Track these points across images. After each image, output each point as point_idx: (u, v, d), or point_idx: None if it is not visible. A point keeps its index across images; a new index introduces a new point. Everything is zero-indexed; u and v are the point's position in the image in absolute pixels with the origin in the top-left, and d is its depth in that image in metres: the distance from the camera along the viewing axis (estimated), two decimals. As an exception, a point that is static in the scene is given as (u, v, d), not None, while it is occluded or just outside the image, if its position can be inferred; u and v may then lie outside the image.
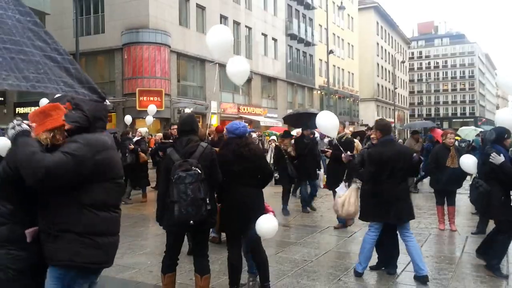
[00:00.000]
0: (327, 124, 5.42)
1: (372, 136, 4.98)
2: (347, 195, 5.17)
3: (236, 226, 3.86)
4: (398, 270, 4.91)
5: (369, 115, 51.65)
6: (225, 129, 4.13)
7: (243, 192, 3.84)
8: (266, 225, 3.68)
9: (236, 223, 3.83)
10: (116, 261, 4.01)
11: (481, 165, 5.09)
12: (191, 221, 3.31)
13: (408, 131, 42.62)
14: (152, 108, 13.84)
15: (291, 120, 10.24)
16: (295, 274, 4.87)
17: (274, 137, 14.83)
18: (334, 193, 6.60)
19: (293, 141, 8.60)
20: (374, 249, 4.85)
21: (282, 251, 5.78)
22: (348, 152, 5.05)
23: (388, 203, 4.52)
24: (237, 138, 3.93)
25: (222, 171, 3.70)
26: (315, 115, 6.02)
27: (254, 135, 14.42)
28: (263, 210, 3.96)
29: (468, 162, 6.52)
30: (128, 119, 15.03)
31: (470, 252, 5.87)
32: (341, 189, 5.32)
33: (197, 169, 3.37)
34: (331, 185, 7.11)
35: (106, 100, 2.76)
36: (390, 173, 4.53)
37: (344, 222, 6.90)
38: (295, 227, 7.22)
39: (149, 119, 14.68)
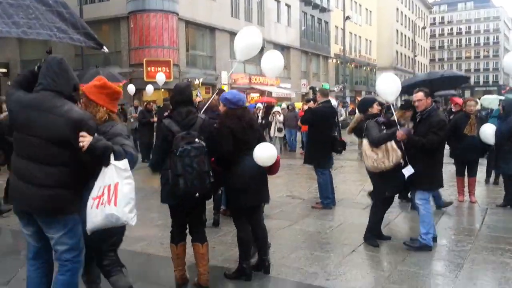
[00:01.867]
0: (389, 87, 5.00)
1: (419, 99, 4.79)
2: (384, 149, 4.66)
3: (251, 199, 3.85)
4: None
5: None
6: (221, 99, 4.02)
7: (254, 163, 3.84)
8: (265, 152, 3.75)
9: (252, 195, 3.84)
10: (127, 233, 4.02)
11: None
12: (197, 194, 3.34)
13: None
14: (160, 78, 13.77)
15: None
16: (309, 246, 4.92)
17: (278, 109, 14.71)
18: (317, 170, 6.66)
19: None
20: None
21: (295, 223, 5.83)
22: (405, 128, 4.72)
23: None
24: (240, 109, 3.89)
25: (234, 142, 3.69)
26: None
27: (260, 105, 14.31)
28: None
29: (487, 131, 6.43)
30: (131, 89, 15.00)
31: (489, 224, 5.85)
32: (409, 171, 4.69)
33: (201, 141, 3.39)
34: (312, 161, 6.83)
35: (104, 47, 2.77)
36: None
37: (326, 204, 6.63)
38: (308, 199, 7.24)
39: (149, 89, 14.62)
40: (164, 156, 3.48)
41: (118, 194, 2.50)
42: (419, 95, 4.80)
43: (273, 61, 5.35)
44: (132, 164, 2.59)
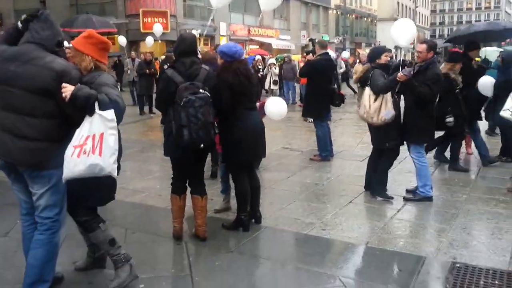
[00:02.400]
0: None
1: (420, 50, 4.64)
2: (383, 99, 4.54)
3: (251, 153, 3.84)
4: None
5: (387, 36, 49.53)
6: (218, 52, 3.89)
7: (254, 117, 3.83)
8: (278, 107, 4.09)
9: (252, 150, 3.81)
10: (125, 185, 4.09)
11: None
12: (202, 145, 3.29)
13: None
14: (158, 29, 13.36)
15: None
16: (306, 197, 4.94)
17: (273, 60, 14.38)
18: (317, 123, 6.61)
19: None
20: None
21: (293, 175, 5.83)
22: (407, 69, 4.51)
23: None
24: (237, 61, 3.75)
25: (230, 96, 3.60)
26: None
27: (259, 56, 13.99)
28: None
29: (485, 83, 6.29)
30: (121, 40, 14.61)
31: (485, 175, 5.87)
32: (389, 113, 4.55)
33: (206, 92, 3.30)
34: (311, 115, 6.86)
35: None
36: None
37: (325, 156, 6.59)
38: (307, 152, 7.22)
39: (149, 40, 14.26)
40: (167, 106, 3.40)
41: (103, 144, 2.43)
42: (422, 47, 4.65)
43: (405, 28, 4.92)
44: (118, 114, 2.49)
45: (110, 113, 2.44)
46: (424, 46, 4.65)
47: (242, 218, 3.88)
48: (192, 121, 3.20)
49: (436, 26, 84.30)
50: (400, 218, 4.35)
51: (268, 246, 3.69)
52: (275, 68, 13.88)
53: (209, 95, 3.31)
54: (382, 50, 5.09)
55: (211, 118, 3.30)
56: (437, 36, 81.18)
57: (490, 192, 5.11)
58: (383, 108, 4.50)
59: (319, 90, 6.48)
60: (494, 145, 7.20)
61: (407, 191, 4.95)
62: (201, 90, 3.29)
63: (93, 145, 2.42)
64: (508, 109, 5.13)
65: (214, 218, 4.10)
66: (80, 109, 2.44)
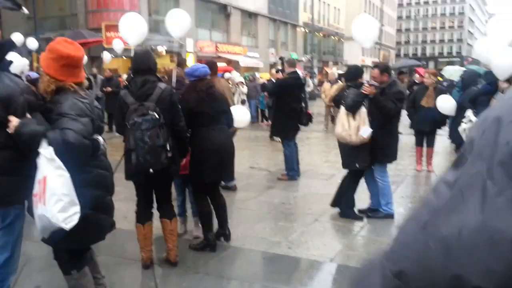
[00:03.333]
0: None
1: (374, 76, 4.97)
2: (361, 118, 4.75)
3: (216, 172, 3.90)
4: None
5: (353, 54, 51.22)
6: (184, 74, 4.04)
7: (219, 135, 3.90)
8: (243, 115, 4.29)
9: (216, 169, 3.87)
10: None
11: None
12: (151, 170, 3.20)
13: (395, 73, 42.68)
14: (118, 45, 13.18)
15: None
16: (273, 216, 5.12)
17: (241, 79, 14.54)
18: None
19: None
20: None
21: (260, 195, 6.01)
22: (374, 82, 4.88)
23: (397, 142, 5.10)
24: (200, 80, 3.88)
25: (192, 115, 3.70)
26: None
27: (228, 74, 14.12)
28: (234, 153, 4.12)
29: (445, 103, 6.75)
30: (106, 56, 14.31)
31: (445, 192, 6.23)
32: (366, 131, 4.75)
33: (154, 113, 3.19)
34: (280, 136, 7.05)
35: (23, 8, 2.53)
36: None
37: (292, 175, 6.80)
38: (275, 171, 7.43)
39: (107, 56, 14.09)
40: (124, 128, 3.35)
41: (46, 189, 2.17)
42: (375, 72, 5.01)
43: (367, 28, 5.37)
44: (71, 151, 2.23)
45: (49, 152, 2.20)
46: (376, 70, 4.99)
47: (208, 238, 3.98)
48: (139, 145, 3.11)
49: (402, 45, 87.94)
50: (363, 235, 4.60)
51: (235, 266, 3.83)
52: (242, 86, 14.05)
53: (157, 117, 3.18)
54: (362, 70, 5.42)
55: (160, 141, 3.17)
56: (402, 55, 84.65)
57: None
58: (361, 126, 4.73)
59: (287, 109, 6.67)
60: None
61: (371, 210, 5.19)
62: (150, 112, 3.18)
63: (40, 192, 2.20)
64: (464, 126, 5.52)
65: (180, 239, 4.20)
66: (24, 146, 2.24)
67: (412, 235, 0.56)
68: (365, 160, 4.86)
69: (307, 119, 7.04)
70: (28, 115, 2.34)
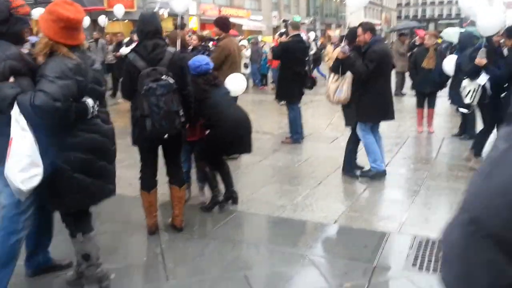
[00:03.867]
0: None
1: (358, 34, 4.73)
2: (342, 82, 4.80)
3: (239, 147, 4.00)
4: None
5: (356, 17, 49.68)
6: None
7: (238, 111, 4.01)
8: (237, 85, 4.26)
9: (239, 144, 3.93)
10: None
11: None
12: (166, 135, 3.11)
13: (395, 34, 41.76)
14: (119, 10, 12.66)
15: None
16: (278, 180, 4.99)
17: (244, 42, 14.04)
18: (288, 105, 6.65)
19: None
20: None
21: (265, 159, 5.86)
22: (346, 47, 4.73)
23: (389, 102, 4.81)
24: (202, 76, 3.79)
25: (205, 103, 3.72)
26: None
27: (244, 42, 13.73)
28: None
29: (450, 63, 6.47)
30: (101, 20, 13.81)
31: (445, 152, 6.07)
32: (339, 92, 4.80)
33: (168, 78, 3.06)
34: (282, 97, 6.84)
35: None
36: (388, 71, 4.79)
37: (296, 139, 6.63)
38: (278, 135, 7.26)
39: (101, 20, 13.56)
40: (132, 93, 3.22)
41: (11, 150, 2.13)
42: (358, 31, 4.76)
43: None
44: (39, 114, 2.15)
45: (14, 112, 2.13)
46: (359, 29, 4.76)
47: (216, 195, 3.94)
48: (154, 111, 2.98)
49: (402, 7, 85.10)
50: (365, 196, 4.47)
51: (241, 230, 3.73)
52: (246, 50, 13.60)
53: (172, 82, 3.07)
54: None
55: (175, 106, 3.06)
56: (403, 16, 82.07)
57: (450, 168, 5.31)
58: (338, 89, 4.70)
59: (291, 72, 6.44)
60: (454, 123, 7.44)
61: (363, 171, 5.02)
62: (163, 77, 3.04)
63: (7, 153, 2.15)
64: (464, 84, 5.26)
65: (187, 205, 4.09)
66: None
67: (479, 185, 0.64)
68: (350, 119, 4.89)
69: (311, 82, 6.82)
70: (11, 79, 2.23)
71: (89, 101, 2.42)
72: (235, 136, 3.84)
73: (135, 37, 10.79)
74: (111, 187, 2.63)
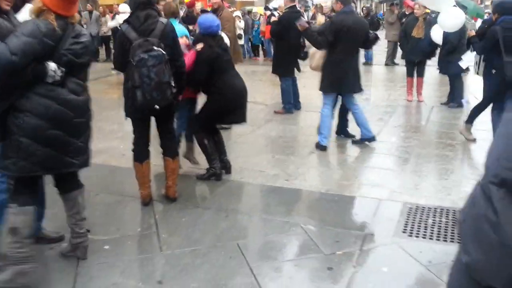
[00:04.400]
0: None
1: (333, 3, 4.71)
2: (315, 50, 4.86)
3: (236, 115, 3.87)
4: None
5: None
6: (197, 24, 3.85)
7: (238, 80, 3.86)
8: None
9: (237, 112, 3.84)
10: None
11: None
12: (156, 106, 2.97)
13: (385, 5, 40.96)
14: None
15: None
16: (270, 149, 4.86)
17: (238, 13, 13.59)
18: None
19: None
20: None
21: (258, 128, 5.71)
22: (303, 19, 4.68)
23: (344, 74, 4.52)
24: (213, 37, 3.69)
25: (211, 66, 3.60)
26: None
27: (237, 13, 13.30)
28: None
29: (437, 32, 6.28)
30: None
31: (434, 120, 5.96)
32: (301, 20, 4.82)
33: (160, 49, 2.93)
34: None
35: None
36: (348, 44, 4.47)
37: (288, 108, 6.49)
38: (271, 105, 7.08)
39: None
40: (125, 65, 3.08)
41: None
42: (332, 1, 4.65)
43: None
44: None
45: None
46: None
47: (214, 166, 3.83)
48: (145, 82, 2.87)
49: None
50: (357, 165, 4.38)
51: (234, 199, 3.61)
52: (239, 21, 13.13)
53: (164, 53, 2.95)
54: None
55: (166, 77, 2.95)
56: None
57: (439, 136, 5.21)
58: (310, 57, 4.78)
59: (287, 45, 6.21)
60: (443, 92, 7.30)
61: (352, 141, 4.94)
62: (155, 48, 2.92)
63: None
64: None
65: (180, 175, 3.96)
66: None
67: (503, 147, 0.61)
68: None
69: (305, 53, 6.60)
70: None
71: (51, 65, 2.22)
72: (236, 104, 3.79)
73: (120, 9, 10.40)
74: (72, 160, 2.35)
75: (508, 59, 4.14)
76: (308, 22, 4.70)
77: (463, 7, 7.37)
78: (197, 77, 3.61)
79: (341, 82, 4.54)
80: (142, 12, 3.05)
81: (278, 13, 5.39)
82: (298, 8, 7.37)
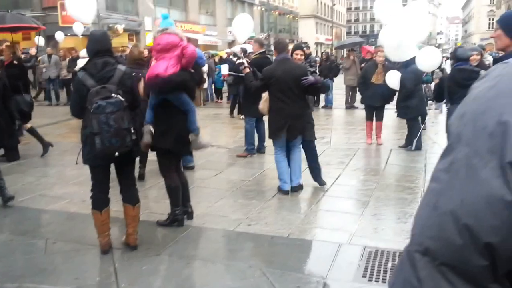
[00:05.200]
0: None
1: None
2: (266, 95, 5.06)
3: (179, 144, 3.89)
4: (329, 183, 5.20)
5: (308, 32, 51.14)
6: (195, 53, 3.88)
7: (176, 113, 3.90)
8: None
9: (180, 143, 3.87)
10: (46, 192, 3.79)
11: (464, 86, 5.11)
12: (116, 153, 3.08)
13: (345, 51, 43.56)
14: (78, 28, 12.42)
15: None
16: (233, 194, 5.00)
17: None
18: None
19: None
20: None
21: (220, 172, 5.87)
22: (245, 61, 5.07)
23: (285, 122, 4.76)
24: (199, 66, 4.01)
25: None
26: None
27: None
28: None
29: (393, 78, 6.84)
30: (40, 40, 13.24)
31: (393, 163, 6.35)
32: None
33: (118, 96, 3.07)
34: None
35: None
36: (283, 92, 4.74)
37: (251, 149, 6.77)
38: (234, 148, 7.28)
39: (60, 36, 13.25)
40: (82, 111, 3.18)
41: None
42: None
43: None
44: None
45: None
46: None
47: (176, 213, 3.87)
48: (104, 128, 2.97)
49: (352, 23, 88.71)
50: (318, 208, 4.58)
51: (196, 245, 3.69)
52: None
53: (122, 99, 3.08)
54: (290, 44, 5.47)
55: (125, 124, 3.06)
56: (352, 32, 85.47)
57: (398, 179, 5.56)
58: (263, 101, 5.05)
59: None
60: (401, 135, 7.81)
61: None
62: (113, 95, 3.05)
63: None
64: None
65: (142, 221, 4.00)
66: None
67: (427, 217, 0.65)
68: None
69: None
70: None
71: None
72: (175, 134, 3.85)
73: (81, 54, 10.58)
74: None
75: (450, 107, 4.66)
76: (249, 67, 5.11)
77: None
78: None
79: (283, 129, 4.78)
80: (99, 60, 3.21)
81: (247, 60, 5.85)
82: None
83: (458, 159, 0.62)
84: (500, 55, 4.62)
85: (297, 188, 4.94)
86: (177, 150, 3.89)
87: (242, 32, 6.75)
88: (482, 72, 4.79)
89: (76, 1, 5.83)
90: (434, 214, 0.63)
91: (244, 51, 7.37)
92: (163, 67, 3.57)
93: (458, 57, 5.55)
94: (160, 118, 3.75)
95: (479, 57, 5.62)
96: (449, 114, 5.08)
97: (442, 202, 0.63)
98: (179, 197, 3.90)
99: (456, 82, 5.21)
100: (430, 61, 6.12)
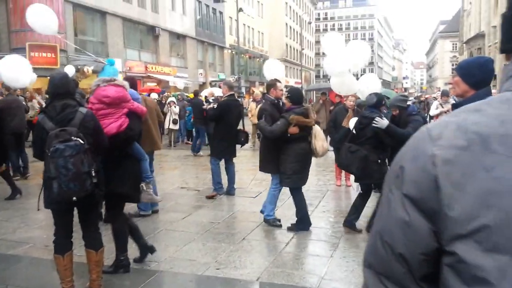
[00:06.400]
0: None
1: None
2: None
3: (137, 193, 3.96)
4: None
5: (278, 76, 52.68)
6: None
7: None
8: None
9: (137, 190, 3.94)
10: (8, 236, 3.67)
11: (359, 130, 5.39)
12: (74, 198, 3.00)
13: (314, 93, 45.18)
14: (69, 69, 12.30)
15: None
16: (202, 237, 5.00)
17: (173, 99, 14.40)
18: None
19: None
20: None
21: (189, 215, 5.86)
22: (211, 105, 5.60)
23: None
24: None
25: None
26: None
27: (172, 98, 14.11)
28: None
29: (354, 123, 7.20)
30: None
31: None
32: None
33: (78, 139, 3.02)
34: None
35: None
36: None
37: (219, 189, 6.94)
38: (204, 190, 7.31)
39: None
40: (43, 153, 3.11)
41: None
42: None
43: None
44: None
45: None
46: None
47: (121, 259, 3.81)
48: (62, 173, 2.91)
49: (320, 67, 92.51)
50: (288, 251, 4.64)
51: (163, 291, 3.65)
52: (174, 106, 13.81)
53: (82, 142, 3.02)
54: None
55: (85, 167, 3.00)
56: (321, 76, 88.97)
57: (366, 221, 5.69)
58: None
59: (227, 130, 6.77)
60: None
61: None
62: (73, 137, 3.00)
63: None
64: None
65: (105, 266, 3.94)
66: None
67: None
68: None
69: (244, 137, 7.15)
70: None
71: None
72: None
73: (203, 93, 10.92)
74: None
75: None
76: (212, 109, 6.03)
77: (386, 97, 8.58)
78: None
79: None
80: (59, 102, 3.20)
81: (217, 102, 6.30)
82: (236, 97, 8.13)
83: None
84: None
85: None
86: (132, 196, 3.90)
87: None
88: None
89: (37, 16, 6.19)
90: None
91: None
92: (117, 125, 3.61)
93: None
94: (117, 162, 3.71)
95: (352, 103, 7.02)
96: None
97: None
98: (126, 241, 3.87)
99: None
100: (371, 86, 6.63)
